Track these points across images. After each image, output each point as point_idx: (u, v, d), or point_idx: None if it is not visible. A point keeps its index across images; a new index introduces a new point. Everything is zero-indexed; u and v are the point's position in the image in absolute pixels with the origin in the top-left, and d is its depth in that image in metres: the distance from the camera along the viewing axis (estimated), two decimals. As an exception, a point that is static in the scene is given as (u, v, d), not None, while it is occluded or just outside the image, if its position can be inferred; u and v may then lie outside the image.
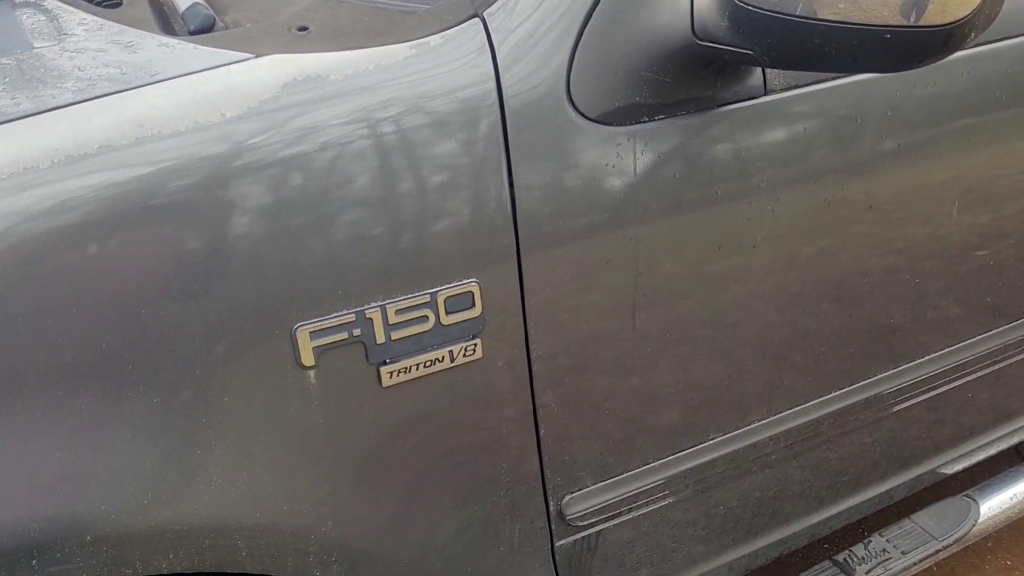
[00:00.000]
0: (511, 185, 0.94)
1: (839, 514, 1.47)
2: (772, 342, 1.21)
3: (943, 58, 0.88)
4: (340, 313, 0.89)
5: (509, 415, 1.04)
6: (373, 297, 0.91)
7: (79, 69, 0.94)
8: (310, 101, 0.88)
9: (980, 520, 1.56)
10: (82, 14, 1.14)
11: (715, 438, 1.23)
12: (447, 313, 0.94)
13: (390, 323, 0.92)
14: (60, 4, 1.21)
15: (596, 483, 1.16)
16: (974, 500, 1.59)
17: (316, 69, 0.89)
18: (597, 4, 0.95)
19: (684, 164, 1.03)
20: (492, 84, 0.93)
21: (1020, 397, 1.62)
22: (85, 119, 0.84)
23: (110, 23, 1.07)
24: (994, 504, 1.59)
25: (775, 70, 1.06)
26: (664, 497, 1.22)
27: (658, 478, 1.20)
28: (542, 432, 1.08)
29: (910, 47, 0.86)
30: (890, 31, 0.85)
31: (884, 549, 1.51)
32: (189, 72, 0.89)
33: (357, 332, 0.91)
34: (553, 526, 1.16)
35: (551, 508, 1.14)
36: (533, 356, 1.02)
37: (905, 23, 0.85)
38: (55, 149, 0.80)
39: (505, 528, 1.11)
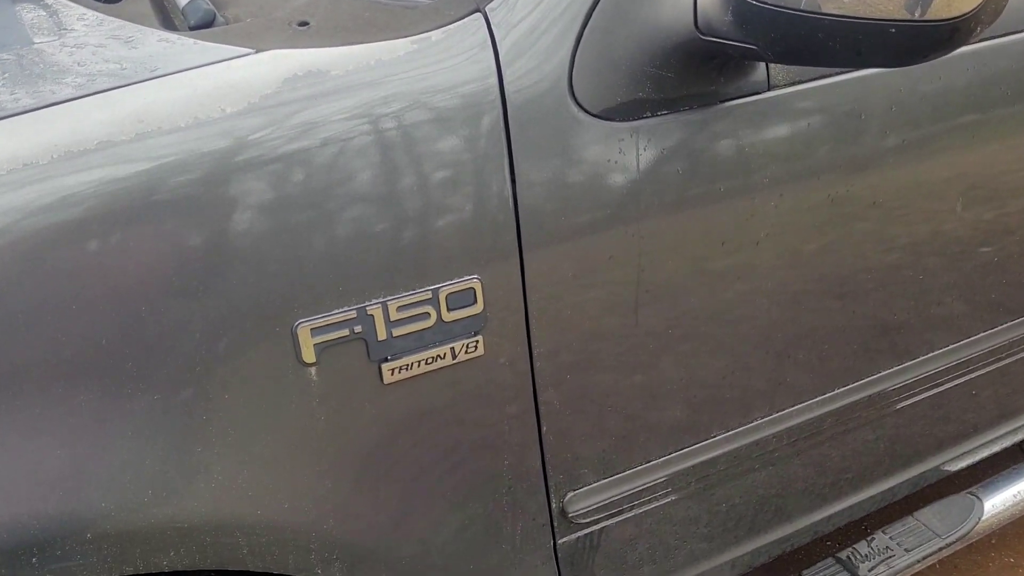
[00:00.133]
0: (513, 181, 0.94)
1: (842, 511, 1.46)
2: (775, 339, 1.20)
3: (948, 53, 0.87)
4: (341, 310, 0.89)
5: (511, 412, 1.04)
6: (374, 294, 0.90)
7: (79, 64, 0.94)
8: (311, 97, 0.87)
9: (984, 518, 1.55)
10: (82, 9, 1.13)
11: (718, 435, 1.22)
12: (449, 310, 0.94)
13: (391, 320, 0.91)
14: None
15: (599, 480, 1.15)
16: (978, 497, 1.58)
17: (317, 64, 0.89)
18: (599, -1, 0.95)
19: (687, 160, 1.02)
20: (494, 80, 0.92)
21: (1024, 394, 1.62)
22: (85, 115, 0.83)
23: (110, 18, 1.07)
24: (998, 501, 1.58)
25: (779, 65, 1.05)
26: (667, 494, 1.22)
27: (661, 475, 1.19)
28: (544, 429, 1.07)
29: (915, 42, 0.85)
30: (895, 26, 0.85)
31: (887, 547, 1.51)
32: (189, 68, 0.89)
33: (358, 329, 0.90)
34: (555, 523, 1.15)
35: (553, 505, 1.13)
36: (535, 353, 1.02)
37: (910, 18, 0.84)
38: (55, 145, 0.80)
39: (507, 526, 1.11)
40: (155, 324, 0.83)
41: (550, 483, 1.12)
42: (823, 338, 1.25)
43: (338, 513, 0.97)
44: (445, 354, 0.96)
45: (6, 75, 0.93)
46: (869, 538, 1.53)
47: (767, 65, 1.05)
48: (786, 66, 1.06)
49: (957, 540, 1.52)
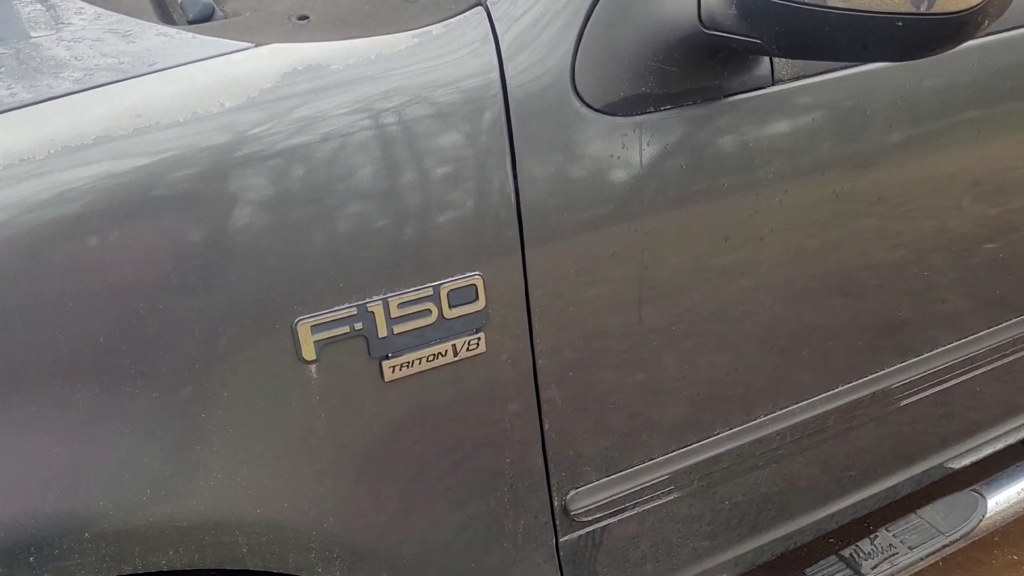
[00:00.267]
0: (515, 176, 0.93)
1: (845, 509, 1.46)
2: (779, 336, 1.19)
3: (955, 46, 0.86)
4: (342, 307, 0.88)
5: (513, 410, 1.03)
6: (375, 290, 0.89)
7: (76, 59, 0.93)
8: (311, 91, 0.86)
9: (988, 515, 1.55)
10: (80, 3, 1.12)
11: (721, 433, 1.22)
12: (450, 306, 0.93)
13: (392, 317, 0.91)
14: (58, -6, 1.19)
15: (601, 478, 1.14)
16: (981, 495, 1.58)
17: (317, 58, 0.88)
18: (602, -8, 0.94)
19: (690, 155, 1.01)
20: (496, 74, 0.91)
21: (1028, 391, 1.61)
22: (83, 109, 0.82)
23: (108, 12, 1.06)
24: (1002, 499, 1.57)
25: (783, 59, 1.04)
26: (669, 492, 1.21)
27: (663, 473, 1.19)
28: (546, 427, 1.06)
29: (922, 35, 0.84)
30: (902, 19, 0.84)
31: (890, 544, 1.50)
32: (188, 62, 0.88)
33: (359, 326, 0.89)
34: (557, 522, 1.14)
35: (555, 503, 1.13)
36: (537, 350, 1.01)
37: (917, 11, 0.83)
38: (52, 140, 0.79)
39: (509, 524, 1.10)
40: (153, 321, 0.82)
41: (552, 481, 1.11)
42: (827, 335, 1.24)
43: (339, 511, 0.96)
44: (446, 351, 0.95)
45: (3, 69, 0.92)
46: (872, 536, 1.52)
47: (771, 59, 1.04)
48: (791, 60, 1.05)
49: (961, 538, 1.52)
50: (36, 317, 0.78)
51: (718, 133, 1.03)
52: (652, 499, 1.20)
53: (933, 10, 0.83)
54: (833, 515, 1.45)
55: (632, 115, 0.97)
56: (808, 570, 1.48)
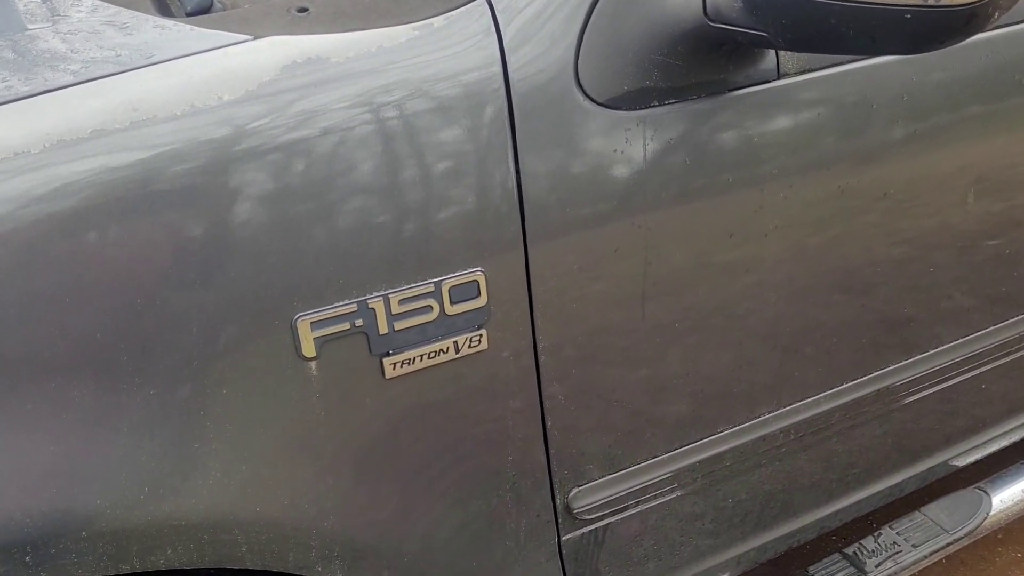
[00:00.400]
0: (517, 171, 0.92)
1: (849, 507, 1.45)
2: (783, 333, 1.18)
3: (965, 39, 0.85)
4: (342, 303, 0.87)
5: (515, 407, 1.02)
6: (376, 287, 0.88)
7: (73, 51, 0.92)
8: (310, 84, 0.85)
9: (992, 513, 1.54)
10: (77, -4, 1.11)
11: (724, 430, 1.21)
12: (452, 303, 0.92)
13: (393, 313, 0.90)
14: (55, -14, 1.18)
15: (604, 476, 1.14)
16: (986, 492, 1.57)
17: (316, 51, 0.87)
18: (606, -16, 0.93)
19: (695, 150, 1.00)
20: (498, 67, 0.90)
21: (1033, 388, 1.60)
22: (79, 102, 0.81)
23: (105, 4, 1.05)
24: (1006, 496, 1.57)
25: (789, 53, 1.03)
26: (672, 490, 1.20)
27: (666, 471, 1.18)
28: (549, 424, 1.05)
29: (931, 28, 0.83)
30: (910, 11, 0.83)
31: (894, 542, 1.49)
32: (186, 54, 0.86)
33: (359, 322, 0.88)
34: (560, 520, 1.14)
35: (558, 501, 1.12)
36: (540, 347, 1.00)
37: (926, 3, 0.82)
38: (47, 133, 0.78)
39: (511, 522, 1.09)
40: (151, 318, 0.81)
41: (554, 479, 1.10)
42: (831, 332, 1.23)
43: (339, 510, 0.95)
44: (448, 348, 0.94)
45: (-2, 62, 0.91)
46: (876, 534, 1.51)
47: (777, 53, 1.03)
48: (797, 54, 1.03)
49: (965, 536, 1.51)
50: (31, 314, 0.77)
51: (723, 128, 1.01)
52: (655, 497, 1.19)
53: (942, 2, 0.82)
54: (837, 513, 1.44)
55: (636, 109, 0.96)
56: (811, 568, 1.48)
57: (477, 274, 0.92)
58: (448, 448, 1.01)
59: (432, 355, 0.93)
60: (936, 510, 1.54)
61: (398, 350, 0.92)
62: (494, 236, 0.92)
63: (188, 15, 1.04)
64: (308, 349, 0.87)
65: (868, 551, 1.48)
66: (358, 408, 0.93)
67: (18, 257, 0.76)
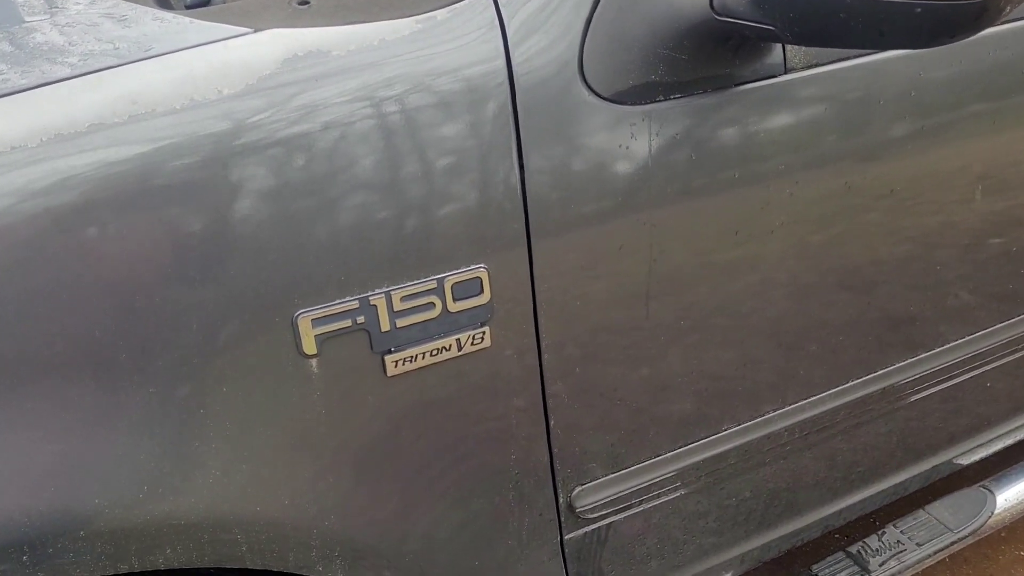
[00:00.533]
0: (521, 167, 0.91)
1: (853, 505, 1.44)
2: (788, 331, 1.17)
3: (976, 33, 0.84)
4: (343, 300, 0.86)
5: (518, 405, 1.01)
6: (377, 283, 0.87)
7: (71, 44, 0.90)
8: (312, 78, 0.84)
9: (997, 511, 1.53)
10: (75, -12, 1.10)
11: (728, 429, 1.20)
12: (454, 300, 0.91)
13: (395, 310, 0.89)
14: (53, -22, 1.17)
15: (607, 475, 1.13)
16: (990, 491, 1.56)
17: (317, 44, 0.86)
18: (612, -23, 0.92)
19: (700, 146, 0.99)
20: (502, 61, 0.89)
21: (1038, 386, 1.59)
22: (77, 95, 0.80)
23: (104, -3, 1.03)
24: (1011, 495, 1.56)
25: (795, 47, 1.02)
26: (676, 489, 1.19)
27: (670, 470, 1.17)
28: (552, 423, 1.04)
29: (941, 22, 0.82)
30: (921, 5, 0.81)
31: (898, 541, 1.49)
32: (185, 47, 0.85)
33: (361, 319, 0.87)
34: (563, 519, 1.13)
35: (561, 500, 1.11)
36: (543, 344, 0.99)
37: (936, -4, 0.81)
38: (45, 127, 0.77)
39: (513, 521, 1.08)
40: (150, 314, 0.80)
41: (557, 478, 1.09)
42: (836, 330, 1.22)
43: (340, 509, 0.94)
44: (450, 345, 0.93)
45: (-5, 55, 0.90)
46: (880, 532, 1.50)
47: (783, 47, 1.02)
48: (803, 48, 1.02)
49: (970, 534, 1.50)
50: (28, 311, 0.76)
51: (729, 123, 1.00)
52: (658, 496, 1.18)
53: (953, -4, 0.81)
54: (841, 511, 1.43)
55: (641, 104, 0.95)
56: (815, 567, 1.47)
57: (480, 271, 0.91)
58: (450, 447, 1.00)
59: (434, 353, 0.92)
60: (940, 509, 1.53)
61: (400, 347, 0.90)
62: (497, 232, 0.91)
63: (187, 7, 1.03)
64: (309, 346, 0.86)
65: (872, 550, 1.47)
66: (359, 406, 0.92)
67: (14, 253, 0.75)
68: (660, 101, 0.96)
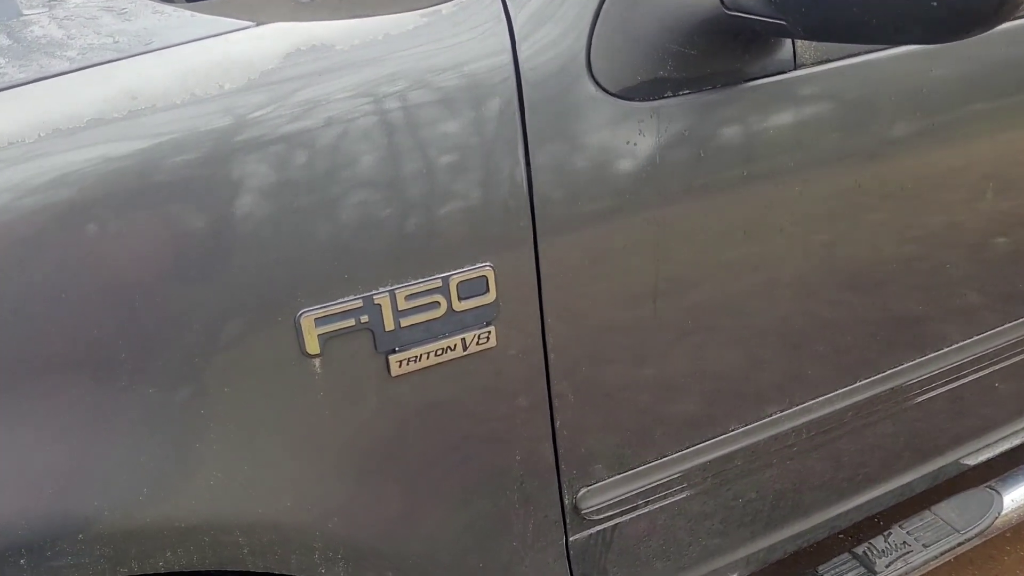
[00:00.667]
0: (527, 164, 0.89)
1: (859, 506, 1.43)
2: (795, 331, 1.16)
3: (993, 27, 0.82)
4: (347, 299, 0.85)
5: (523, 405, 1.00)
6: (382, 282, 0.86)
7: (70, 37, 0.89)
8: (314, 73, 0.82)
9: (1003, 512, 1.52)
10: (74, -19, 1.08)
11: (735, 430, 1.19)
12: (460, 299, 0.90)
13: (400, 309, 0.87)
14: (52, -28, 1.15)
15: (612, 476, 1.11)
16: (997, 491, 1.55)
17: (321, 38, 0.84)
18: (620, -29, 0.90)
19: (709, 143, 0.98)
20: (508, 56, 0.87)
21: (1045, 387, 1.58)
22: (75, 90, 0.79)
23: (103, -10, 1.02)
24: (1017, 496, 1.55)
25: (806, 42, 1.00)
26: (682, 490, 1.18)
27: (676, 471, 1.16)
28: (557, 423, 1.03)
29: (959, 16, 0.80)
30: (937, -1, 0.80)
31: (905, 542, 1.47)
32: (186, 41, 0.84)
33: (365, 319, 0.86)
34: (568, 520, 1.11)
35: (566, 501, 1.10)
36: (549, 344, 0.98)
37: (953, -10, 0.79)
38: (43, 122, 0.75)
39: (518, 522, 1.07)
40: (151, 314, 0.78)
41: (563, 479, 1.08)
42: (844, 330, 1.21)
43: (343, 510, 0.93)
44: (455, 345, 0.91)
45: (-7, 49, 0.88)
46: (886, 533, 1.49)
47: (794, 42, 1.00)
48: (814, 44, 1.01)
49: (976, 535, 1.49)
50: (27, 310, 0.74)
51: (738, 119, 0.99)
52: (664, 497, 1.17)
53: (970, -11, 0.79)
54: (847, 512, 1.42)
55: (649, 100, 0.93)
56: (821, 568, 1.46)
57: (486, 269, 0.90)
58: (454, 447, 0.98)
59: (439, 352, 0.91)
60: (947, 509, 1.52)
61: (404, 347, 0.89)
62: (503, 230, 0.90)
63: (188, 0, 1.01)
64: (312, 346, 0.84)
65: (878, 551, 1.46)
66: (363, 406, 0.90)
67: (12, 250, 0.73)
68: (668, 97, 0.94)
